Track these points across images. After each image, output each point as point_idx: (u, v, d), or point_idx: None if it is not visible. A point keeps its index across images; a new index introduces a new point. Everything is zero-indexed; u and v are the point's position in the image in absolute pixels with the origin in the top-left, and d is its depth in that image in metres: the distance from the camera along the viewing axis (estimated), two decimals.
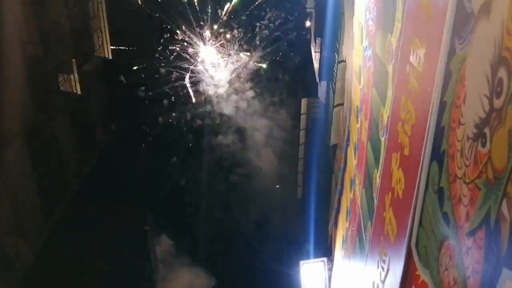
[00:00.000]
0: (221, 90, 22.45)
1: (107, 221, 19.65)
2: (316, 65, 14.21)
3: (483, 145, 1.92)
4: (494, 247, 1.83)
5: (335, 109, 8.48)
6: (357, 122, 5.46)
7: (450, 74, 2.27)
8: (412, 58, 2.94)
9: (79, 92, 14.86)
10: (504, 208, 1.71)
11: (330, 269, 7.29)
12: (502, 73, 1.74)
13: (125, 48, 20.93)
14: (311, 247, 8.56)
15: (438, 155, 2.43)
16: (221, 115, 22.31)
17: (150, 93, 23.26)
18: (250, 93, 22.80)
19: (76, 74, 14.74)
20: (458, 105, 2.18)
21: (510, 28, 1.66)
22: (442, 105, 2.37)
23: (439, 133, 2.41)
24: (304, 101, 15.43)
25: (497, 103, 1.78)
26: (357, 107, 5.52)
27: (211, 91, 22.64)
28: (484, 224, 1.92)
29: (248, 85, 22.80)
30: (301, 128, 15.40)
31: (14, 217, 12.71)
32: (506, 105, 1.71)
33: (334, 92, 9.03)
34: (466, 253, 2.11)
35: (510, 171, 1.68)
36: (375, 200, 4.05)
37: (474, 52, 2.03)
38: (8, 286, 13.08)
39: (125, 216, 20.45)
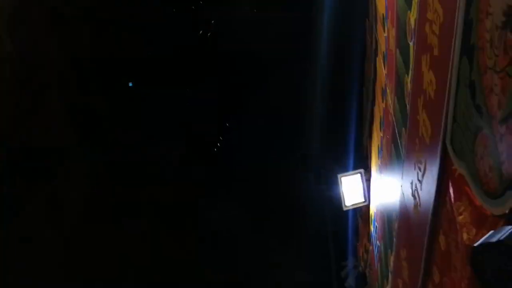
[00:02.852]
0: None
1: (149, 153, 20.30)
2: None
3: None
4: None
5: (361, 22, 8.29)
6: (384, 30, 5.39)
7: None
8: None
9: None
10: None
11: (368, 180, 7.52)
12: None
13: None
14: (348, 160, 8.78)
15: (467, 50, 2.46)
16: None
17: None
18: None
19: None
20: None
21: None
22: None
23: (468, 27, 2.42)
24: (329, 18, 14.99)
25: None
26: (383, 15, 5.43)
27: None
28: None
29: None
30: (329, 45, 15.08)
31: (59, 161, 13.42)
32: None
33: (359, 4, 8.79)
34: (500, 140, 2.20)
35: None
36: (407, 105, 4.11)
37: None
38: (68, 227, 14.01)
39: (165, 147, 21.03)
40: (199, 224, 15.25)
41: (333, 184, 8.04)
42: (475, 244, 2.31)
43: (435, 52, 3.05)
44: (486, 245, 2.15)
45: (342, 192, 7.56)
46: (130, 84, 17.06)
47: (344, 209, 7.74)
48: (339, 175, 7.56)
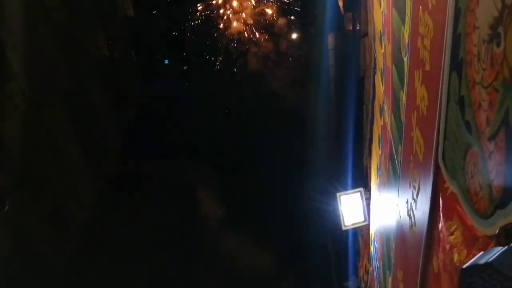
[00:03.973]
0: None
1: (151, 176, 20.30)
2: None
3: (498, 45, 1.88)
4: None
5: (361, 40, 8.28)
6: (381, 47, 5.34)
7: None
8: None
9: (107, 54, 15.08)
10: None
11: (368, 199, 7.40)
12: None
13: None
14: (348, 180, 8.68)
15: (456, 64, 2.40)
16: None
17: (178, 47, 23.08)
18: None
19: (102, 36, 14.92)
20: (472, 9, 2.13)
21: None
22: (457, 12, 2.31)
23: (456, 41, 2.37)
24: (331, 36, 15.04)
25: None
26: (380, 32, 5.38)
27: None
28: (503, 125, 1.92)
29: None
30: (330, 64, 15.11)
31: (63, 179, 13.36)
32: None
33: (359, 23, 8.80)
34: (488, 158, 2.13)
35: None
36: (403, 122, 4.04)
37: None
38: (70, 245, 13.96)
39: (169, 171, 21.03)
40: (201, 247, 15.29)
41: (334, 204, 7.93)
42: (464, 266, 2.22)
43: (427, 67, 2.98)
44: (474, 267, 2.05)
45: (342, 212, 7.46)
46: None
47: (344, 228, 7.61)
48: (338, 194, 7.47)
